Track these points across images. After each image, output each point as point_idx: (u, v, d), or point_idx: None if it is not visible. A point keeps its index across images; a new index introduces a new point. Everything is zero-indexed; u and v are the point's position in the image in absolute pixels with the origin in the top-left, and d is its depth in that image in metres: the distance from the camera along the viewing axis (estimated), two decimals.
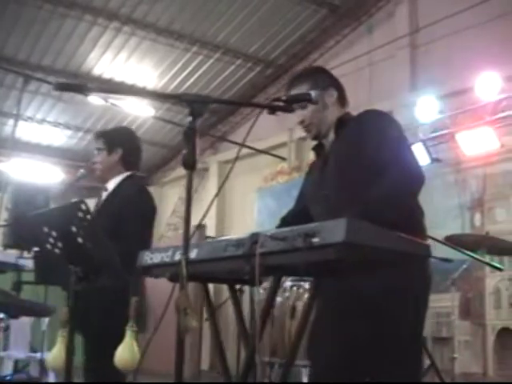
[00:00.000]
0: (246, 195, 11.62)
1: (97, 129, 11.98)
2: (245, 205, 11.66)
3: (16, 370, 6.30)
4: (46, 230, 3.09)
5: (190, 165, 2.38)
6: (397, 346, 2.67)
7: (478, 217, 7.50)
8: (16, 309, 5.03)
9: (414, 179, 2.71)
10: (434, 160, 7.38)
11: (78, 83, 4.12)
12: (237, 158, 3.14)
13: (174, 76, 11.03)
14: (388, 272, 2.51)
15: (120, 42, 10.14)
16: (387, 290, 2.60)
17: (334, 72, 9.17)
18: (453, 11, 8.08)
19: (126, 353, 2.83)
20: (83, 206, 2.84)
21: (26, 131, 11.60)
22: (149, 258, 2.77)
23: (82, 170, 4.01)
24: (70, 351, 2.92)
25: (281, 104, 2.68)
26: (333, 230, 1.92)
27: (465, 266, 5.63)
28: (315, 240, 1.95)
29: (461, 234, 5.66)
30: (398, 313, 2.66)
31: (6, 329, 6.15)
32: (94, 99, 10.45)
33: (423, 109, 7.60)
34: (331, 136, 3.02)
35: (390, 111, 8.75)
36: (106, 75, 10.83)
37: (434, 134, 7.48)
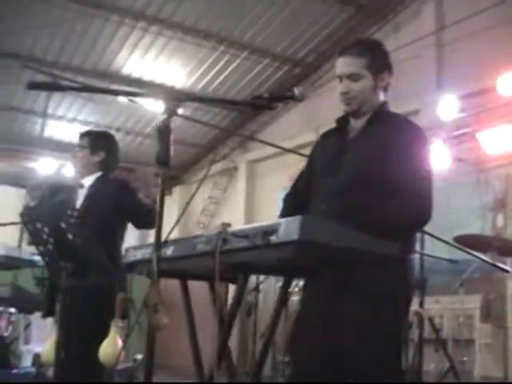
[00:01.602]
0: (273, 193, 11.60)
1: (126, 127, 12.17)
2: (273, 203, 11.64)
3: (35, 364, 6.40)
4: (39, 225, 3.15)
5: (163, 162, 2.40)
6: (376, 343, 2.64)
7: (500, 217, 7.39)
8: (29, 304, 5.11)
9: (422, 217, 2.75)
10: (456, 159, 7.30)
11: (49, 81, 4.10)
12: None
13: (202, 75, 11.07)
14: (366, 272, 2.52)
15: (147, 42, 10.22)
16: (365, 290, 2.59)
17: None
18: (478, 9, 7.99)
19: (109, 348, 2.87)
20: (71, 204, 2.90)
21: (57, 130, 11.78)
22: (132, 254, 2.81)
23: (56, 167, 4.15)
24: (59, 346, 2.97)
25: (263, 102, 2.67)
26: (289, 228, 1.92)
27: (472, 268, 5.55)
28: (273, 238, 1.95)
29: (469, 234, 5.58)
30: (376, 311, 2.63)
31: (27, 326, 6.27)
32: (123, 98, 10.55)
33: (445, 108, 7.51)
34: (363, 120, 2.94)
35: (417, 110, 8.77)
36: (135, 74, 10.93)
37: (456, 133, 7.38)
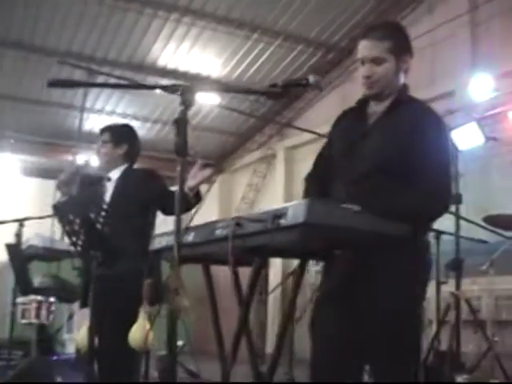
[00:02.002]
0: None
1: (164, 119, 12.30)
2: None
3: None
4: (71, 217, 3.26)
5: (182, 152, 2.47)
6: (395, 322, 2.69)
7: None
8: (69, 294, 5.27)
9: (440, 206, 2.78)
10: (490, 139, 7.23)
11: (68, 79, 4.14)
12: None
13: (237, 64, 11.13)
14: (383, 253, 2.58)
15: (181, 33, 10.32)
16: (383, 271, 2.64)
17: None
18: None
19: (138, 333, 2.98)
20: (100, 196, 3.00)
21: (96, 123, 11.97)
22: (158, 241, 2.90)
23: (83, 161, 4.25)
24: (91, 332, 3.09)
25: (277, 90, 2.72)
26: (296, 211, 1.99)
27: (504, 248, 5.53)
28: (282, 221, 2.01)
29: (500, 214, 5.55)
30: (392, 291, 2.68)
31: (71, 316, 6.45)
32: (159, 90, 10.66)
33: (478, 88, 7.46)
34: (384, 105, 2.93)
35: (452, 91, 8.73)
36: (171, 65, 11.04)
37: (490, 113, 7.33)
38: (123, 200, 3.90)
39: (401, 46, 2.91)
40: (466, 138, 6.96)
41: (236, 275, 2.77)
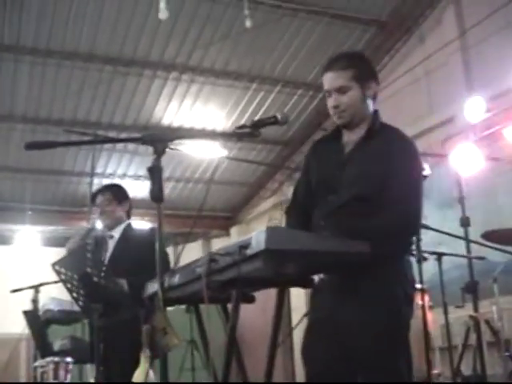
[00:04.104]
0: None
1: (175, 176, 12.49)
2: None
3: None
4: (69, 273, 3.39)
5: (157, 198, 2.59)
6: (380, 344, 2.75)
7: None
8: (85, 354, 5.35)
9: (408, 229, 2.87)
10: (491, 159, 7.32)
11: (45, 140, 4.34)
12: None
13: (240, 114, 11.30)
14: (364, 276, 2.67)
15: (182, 91, 10.55)
16: (365, 293, 2.73)
17: (392, 87, 9.28)
18: (496, 7, 8.03)
19: (140, 377, 3.06)
20: (89, 248, 3.13)
21: None
22: (151, 287, 3.00)
23: (91, 222, 4.42)
24: (98, 382, 3.18)
25: (247, 130, 2.83)
26: (258, 240, 2.08)
27: (503, 265, 5.56)
28: (248, 251, 2.11)
29: (498, 229, 5.59)
30: (376, 313, 2.75)
31: None
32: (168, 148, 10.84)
33: (473, 111, 7.57)
34: (358, 133, 3.02)
35: (452, 117, 8.82)
36: (175, 124, 11.24)
37: (485, 133, 7.42)
38: (123, 257, 4.04)
39: (364, 73, 3.02)
40: (467, 161, 7.05)
41: (226, 312, 2.87)
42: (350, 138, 3.07)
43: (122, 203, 4.41)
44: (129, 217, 4.44)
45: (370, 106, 3.07)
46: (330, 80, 3.02)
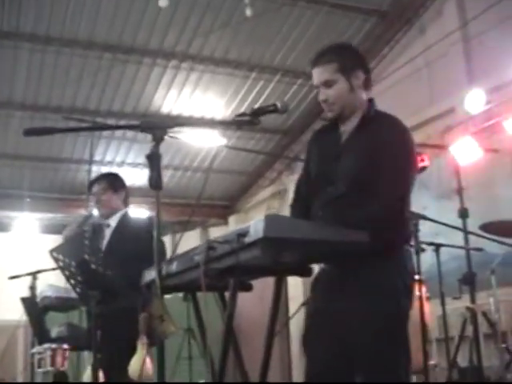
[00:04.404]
0: None
1: (174, 164, 12.49)
2: None
3: None
4: (67, 260, 3.40)
5: (156, 185, 2.59)
6: (378, 336, 2.75)
7: None
8: (82, 341, 5.36)
9: (390, 216, 2.81)
10: (490, 151, 7.31)
11: (43, 127, 4.37)
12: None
13: (239, 103, 11.28)
14: (363, 266, 2.67)
15: (181, 79, 10.52)
16: (363, 284, 2.73)
17: (392, 78, 9.25)
18: None
19: (137, 364, 3.07)
20: (87, 235, 3.13)
21: None
22: (148, 275, 3.00)
23: (88, 210, 4.44)
24: (95, 369, 3.19)
25: (246, 118, 2.83)
26: (256, 228, 2.08)
27: (501, 256, 5.57)
28: (246, 239, 2.11)
29: (496, 221, 5.60)
30: (375, 304, 2.75)
31: None
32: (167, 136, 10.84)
33: (473, 102, 7.56)
34: (351, 124, 3.03)
35: (452, 108, 8.81)
36: (175, 112, 11.22)
37: (485, 125, 7.41)
38: (119, 246, 4.06)
39: (348, 64, 3.02)
40: (466, 152, 7.05)
41: (223, 300, 2.87)
42: (346, 128, 3.09)
43: (117, 192, 4.44)
44: (126, 205, 4.45)
45: (362, 95, 3.08)
46: (316, 75, 3.07)
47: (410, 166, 2.91)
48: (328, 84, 3.00)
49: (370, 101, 3.10)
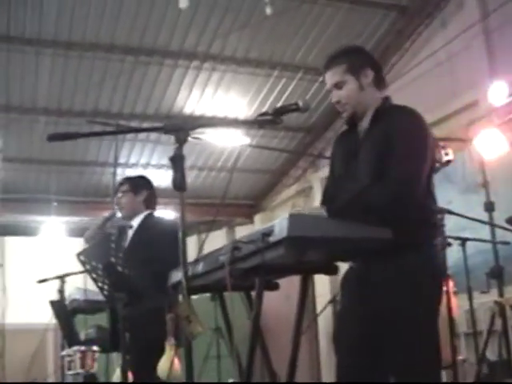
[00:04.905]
0: None
1: (198, 165, 12.53)
2: None
3: None
4: (94, 263, 3.43)
5: (180, 187, 2.60)
6: (407, 335, 2.75)
7: None
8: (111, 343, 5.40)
9: (398, 199, 2.80)
10: None
11: (67, 132, 4.42)
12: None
13: (262, 102, 11.28)
14: (389, 263, 2.67)
15: (203, 79, 10.55)
16: (390, 281, 2.73)
17: (414, 72, 9.21)
18: None
19: (165, 365, 3.10)
20: (113, 238, 3.16)
21: None
22: (175, 276, 3.02)
23: (109, 212, 4.48)
24: (124, 371, 3.21)
25: (268, 118, 2.84)
26: (281, 227, 2.09)
27: None
28: (270, 238, 2.12)
29: None
30: (403, 302, 2.75)
31: None
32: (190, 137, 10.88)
33: (496, 94, 7.50)
34: (366, 120, 3.09)
35: (475, 101, 8.75)
36: (197, 112, 11.25)
37: (510, 116, 7.35)
38: (140, 246, 4.09)
39: (356, 64, 3.10)
40: (490, 145, 6.99)
41: (250, 300, 2.88)
42: (362, 125, 3.15)
43: (138, 194, 4.52)
44: (150, 206, 4.49)
45: (374, 92, 3.13)
46: (328, 79, 3.17)
47: (421, 146, 2.90)
48: (339, 85, 3.08)
49: (385, 98, 3.14)
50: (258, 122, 2.86)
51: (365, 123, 3.10)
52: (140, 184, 4.60)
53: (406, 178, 2.79)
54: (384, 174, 2.82)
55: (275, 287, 2.94)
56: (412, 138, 2.90)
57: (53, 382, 9.50)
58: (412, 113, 2.99)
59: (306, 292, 2.59)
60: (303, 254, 2.18)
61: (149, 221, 4.41)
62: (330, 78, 3.13)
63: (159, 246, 4.08)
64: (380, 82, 3.15)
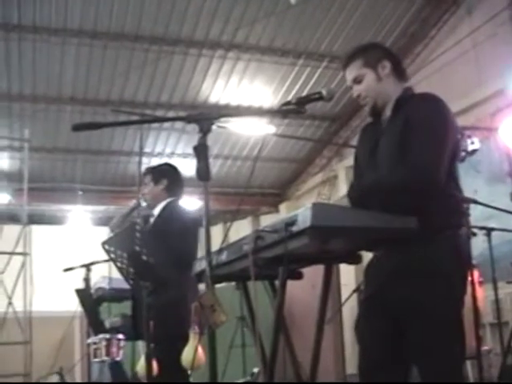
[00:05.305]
0: None
1: (223, 153, 12.56)
2: None
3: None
4: (119, 252, 3.46)
5: (204, 177, 2.60)
6: (432, 323, 2.74)
7: None
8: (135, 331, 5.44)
9: (419, 181, 2.79)
10: None
11: (91, 122, 4.39)
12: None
13: (287, 91, 11.28)
14: (415, 251, 2.67)
15: (228, 68, 10.57)
16: (416, 269, 2.73)
17: (440, 60, 9.10)
18: None
19: (190, 354, 3.12)
20: (138, 227, 3.18)
21: None
22: (198, 265, 3.04)
23: (134, 201, 4.52)
24: (149, 359, 3.24)
25: (293, 107, 2.84)
26: (304, 217, 2.09)
27: None
28: (294, 228, 2.12)
29: None
30: (429, 291, 2.74)
31: None
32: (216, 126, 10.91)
33: None
34: (388, 110, 3.09)
35: (501, 89, 8.66)
36: (222, 101, 11.28)
37: None
38: (157, 234, 4.12)
39: (372, 57, 3.11)
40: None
41: (274, 289, 2.89)
42: (385, 116, 3.14)
43: (158, 183, 4.58)
44: (171, 194, 4.54)
45: (394, 83, 3.12)
46: (347, 75, 3.19)
47: (440, 132, 2.86)
48: (357, 80, 3.10)
49: (408, 88, 3.13)
50: (282, 112, 2.85)
51: (387, 113, 3.09)
52: (160, 173, 4.64)
53: (423, 164, 2.77)
54: (402, 161, 2.82)
55: (299, 276, 2.94)
56: (431, 123, 2.88)
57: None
58: (432, 99, 2.97)
59: (330, 281, 2.59)
60: (326, 243, 2.18)
61: (167, 210, 4.46)
62: (349, 74, 3.16)
63: (173, 234, 4.13)
64: (400, 74, 3.15)
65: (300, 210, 2.18)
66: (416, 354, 2.81)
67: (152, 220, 4.43)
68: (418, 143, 2.83)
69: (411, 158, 2.80)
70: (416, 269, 2.75)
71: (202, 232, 3.97)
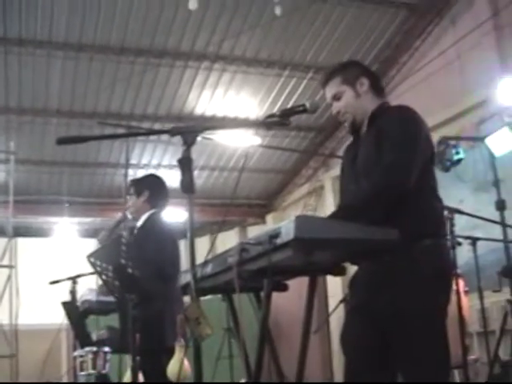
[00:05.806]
0: None
1: (209, 165, 12.57)
2: None
3: None
4: (104, 265, 3.46)
5: (188, 189, 2.60)
6: (415, 332, 2.75)
7: None
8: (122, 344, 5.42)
9: (388, 188, 2.81)
10: None
11: (76, 135, 4.45)
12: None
13: (273, 101, 11.31)
14: (398, 262, 2.68)
15: (214, 80, 10.59)
16: (398, 281, 2.74)
17: (424, 70, 9.13)
18: None
19: (176, 366, 3.11)
20: (124, 240, 3.18)
21: None
22: (184, 277, 3.04)
23: (120, 214, 4.54)
24: (135, 371, 3.23)
25: (276, 120, 2.85)
26: (288, 229, 2.11)
27: None
28: (278, 241, 2.13)
29: None
30: (411, 301, 2.75)
31: None
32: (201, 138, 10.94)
33: (507, 92, 7.47)
34: (365, 125, 3.14)
35: (486, 99, 8.71)
36: (208, 113, 11.30)
37: None
38: (140, 245, 4.13)
39: (350, 74, 3.17)
40: (501, 143, 6.94)
41: (259, 301, 2.89)
42: (362, 131, 3.18)
43: (140, 195, 4.59)
44: (154, 205, 4.56)
45: (372, 99, 3.16)
46: (327, 92, 3.23)
47: (410, 137, 2.88)
48: (337, 97, 3.15)
49: (383, 103, 3.17)
50: (266, 124, 2.85)
51: (364, 128, 3.15)
52: (142, 184, 4.66)
53: (393, 164, 2.80)
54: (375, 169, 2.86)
55: (284, 288, 2.94)
56: (402, 129, 2.93)
57: (66, 382, 9.54)
58: (405, 111, 3.03)
59: (314, 293, 2.60)
60: (310, 255, 2.19)
61: (148, 222, 4.48)
62: (328, 91, 3.20)
63: (150, 247, 4.15)
64: (378, 90, 3.20)
65: (284, 223, 2.19)
66: (401, 363, 2.83)
67: (136, 231, 4.44)
68: (389, 147, 2.87)
69: (383, 161, 2.83)
70: (397, 279, 2.77)
71: (185, 244, 3.98)
